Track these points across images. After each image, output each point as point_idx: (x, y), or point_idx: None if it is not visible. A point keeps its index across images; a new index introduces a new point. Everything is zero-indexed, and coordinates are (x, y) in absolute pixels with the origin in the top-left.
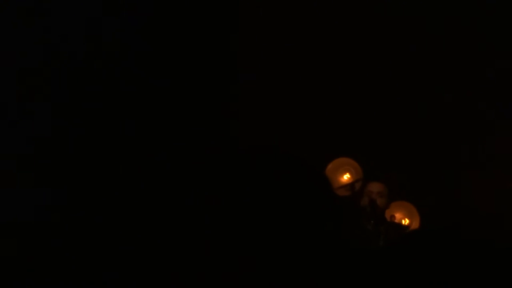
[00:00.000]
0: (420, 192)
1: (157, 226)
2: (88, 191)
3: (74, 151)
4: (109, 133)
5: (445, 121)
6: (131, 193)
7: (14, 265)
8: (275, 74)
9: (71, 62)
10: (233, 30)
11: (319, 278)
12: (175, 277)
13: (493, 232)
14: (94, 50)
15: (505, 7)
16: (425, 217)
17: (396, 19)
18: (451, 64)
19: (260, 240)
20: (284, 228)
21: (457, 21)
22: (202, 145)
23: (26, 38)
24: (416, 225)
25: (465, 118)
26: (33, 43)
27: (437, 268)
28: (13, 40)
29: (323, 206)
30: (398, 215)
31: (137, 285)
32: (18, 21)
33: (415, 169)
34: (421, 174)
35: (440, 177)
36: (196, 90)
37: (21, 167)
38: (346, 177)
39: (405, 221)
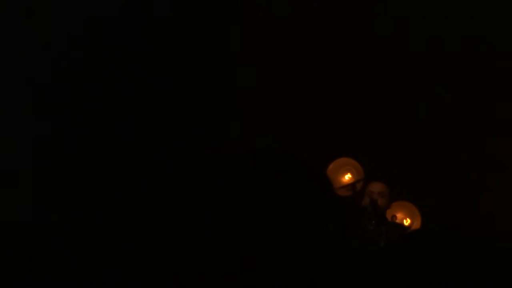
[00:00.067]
0: (421, 192)
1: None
2: (88, 191)
3: (74, 151)
4: (109, 133)
5: (445, 121)
6: (131, 193)
7: (14, 265)
8: (275, 74)
9: (71, 62)
10: (233, 30)
11: (320, 278)
12: (175, 277)
13: (493, 232)
14: (94, 50)
15: (505, 7)
16: (425, 217)
17: (396, 19)
18: (451, 64)
19: (260, 240)
20: (285, 228)
21: (457, 21)
22: (202, 145)
23: (26, 38)
24: (417, 225)
25: (465, 118)
26: (33, 43)
27: (438, 268)
28: (13, 40)
29: (324, 206)
30: (399, 215)
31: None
32: (18, 21)
33: (415, 169)
34: (422, 174)
35: (441, 177)
36: (196, 90)
37: (21, 167)
38: (347, 177)
39: (407, 221)
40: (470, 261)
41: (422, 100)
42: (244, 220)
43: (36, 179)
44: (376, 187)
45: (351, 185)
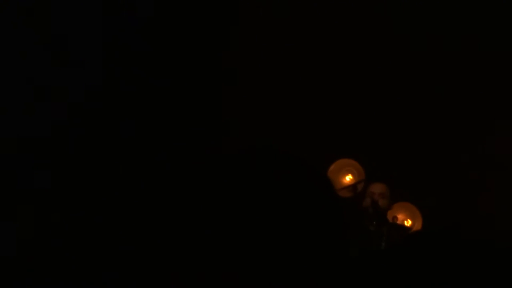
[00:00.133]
0: (421, 192)
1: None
2: (88, 191)
3: (74, 151)
4: (109, 133)
5: (445, 121)
6: (131, 193)
7: (14, 265)
8: (276, 74)
9: (71, 62)
10: (233, 30)
11: (321, 279)
12: (175, 277)
13: (493, 232)
14: (94, 50)
15: (505, 7)
16: (426, 217)
17: (396, 20)
18: (451, 64)
19: (261, 241)
20: (285, 229)
21: (457, 21)
22: (202, 145)
23: (26, 38)
24: (418, 226)
25: (465, 118)
26: (33, 43)
27: (438, 268)
28: (13, 40)
29: (325, 208)
30: (400, 216)
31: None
32: (18, 21)
33: (416, 170)
34: (422, 175)
35: (441, 177)
36: (196, 90)
37: (21, 167)
38: (348, 178)
39: (408, 222)
40: (470, 261)
41: (422, 100)
42: (245, 220)
43: (36, 179)
44: (377, 188)
45: (352, 186)
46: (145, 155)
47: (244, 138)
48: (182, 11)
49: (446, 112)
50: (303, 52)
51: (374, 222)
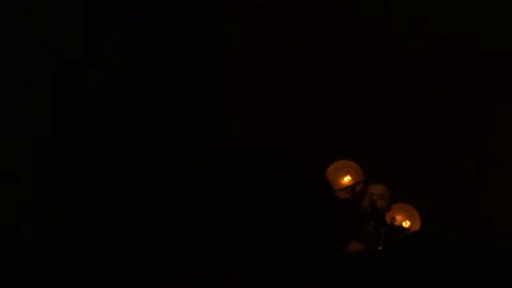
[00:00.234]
0: (421, 192)
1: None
2: (88, 191)
3: (74, 151)
4: (109, 133)
5: (445, 121)
6: (131, 193)
7: (14, 265)
8: (276, 74)
9: (71, 62)
10: (234, 30)
11: (320, 280)
12: (175, 277)
13: (493, 232)
14: (94, 50)
15: (505, 7)
16: (425, 218)
17: (395, 20)
18: (451, 65)
19: (260, 242)
20: (284, 230)
21: (457, 21)
22: (202, 145)
23: (26, 38)
24: (417, 227)
25: (465, 118)
26: (33, 43)
27: (438, 268)
28: (13, 40)
29: (324, 209)
30: (399, 217)
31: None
32: (18, 21)
33: (415, 170)
34: (422, 175)
35: (441, 177)
36: (196, 90)
37: (21, 167)
38: (346, 179)
39: (406, 223)
40: (470, 261)
41: (421, 100)
42: (244, 221)
43: (36, 179)
44: (376, 189)
45: (350, 187)
46: (145, 155)
47: (243, 138)
48: (182, 11)
49: (445, 112)
50: (303, 53)
51: (373, 223)
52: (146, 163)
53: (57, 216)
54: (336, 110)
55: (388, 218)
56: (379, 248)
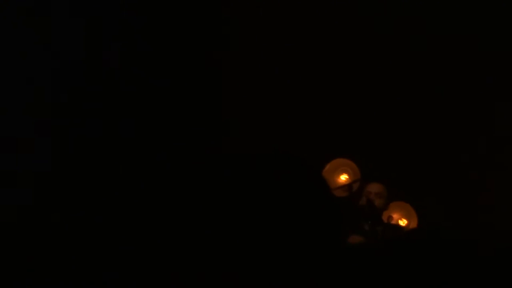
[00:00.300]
0: (420, 192)
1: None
2: (88, 191)
3: (74, 151)
4: (109, 133)
5: (444, 121)
6: (131, 193)
7: (14, 265)
8: (274, 74)
9: (71, 62)
10: (234, 30)
11: (317, 278)
12: (175, 277)
13: (493, 232)
14: (94, 50)
15: (505, 7)
16: (422, 216)
17: (394, 18)
18: (450, 64)
19: (258, 240)
20: (282, 228)
21: (457, 21)
22: (202, 145)
23: (26, 38)
24: (413, 225)
25: (465, 118)
26: (33, 43)
27: (437, 268)
28: (13, 40)
29: (321, 207)
30: (395, 216)
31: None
32: (18, 21)
33: (415, 170)
34: (421, 175)
35: (440, 177)
36: (196, 90)
37: (21, 167)
38: (343, 177)
39: (403, 222)
40: (470, 261)
41: (421, 100)
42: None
43: (36, 179)
44: (373, 188)
45: (347, 186)
46: (145, 155)
47: (243, 138)
48: (182, 10)
49: (445, 111)
50: (302, 52)
51: (370, 222)
52: (146, 163)
53: (57, 216)
54: (333, 109)
55: (385, 217)
56: (376, 246)
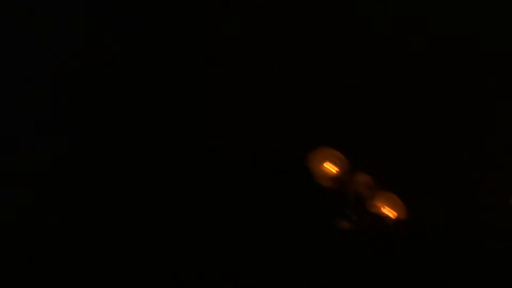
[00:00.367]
0: (407, 182)
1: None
2: (88, 191)
3: (74, 151)
4: (109, 133)
5: (444, 120)
6: (131, 193)
7: (14, 265)
8: (276, 75)
9: (71, 62)
10: (233, 30)
11: (307, 268)
12: (175, 277)
13: (493, 232)
14: (94, 50)
15: (505, 7)
16: (411, 208)
17: (393, 14)
18: (450, 63)
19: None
20: (270, 219)
21: (457, 20)
22: (202, 145)
23: (26, 38)
24: (401, 217)
25: (464, 117)
26: (33, 43)
27: (437, 268)
28: (13, 40)
29: (308, 197)
30: (383, 206)
31: (137, 285)
32: (18, 21)
33: (402, 160)
34: (409, 165)
35: (440, 177)
36: (196, 90)
37: (21, 167)
38: (331, 167)
39: (390, 212)
40: (470, 261)
41: (419, 98)
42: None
43: (36, 179)
44: (361, 178)
45: (335, 176)
46: (145, 155)
47: (243, 138)
48: (182, 11)
49: (443, 110)
50: (303, 52)
51: (356, 212)
52: (146, 163)
53: (57, 216)
54: (326, 100)
55: (372, 208)
56: (363, 237)
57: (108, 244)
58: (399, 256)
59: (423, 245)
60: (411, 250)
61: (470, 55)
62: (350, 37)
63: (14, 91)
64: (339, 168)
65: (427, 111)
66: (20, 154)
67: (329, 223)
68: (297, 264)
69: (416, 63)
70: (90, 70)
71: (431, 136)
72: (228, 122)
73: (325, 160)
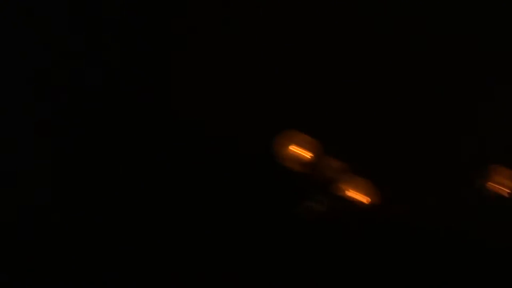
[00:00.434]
0: (420, 191)
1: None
2: (88, 191)
3: (74, 151)
4: (109, 133)
5: (412, 103)
6: (131, 193)
7: (14, 265)
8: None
9: (71, 62)
10: (233, 30)
11: (275, 253)
12: (175, 277)
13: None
14: (94, 49)
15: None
16: (382, 193)
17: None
18: (449, 61)
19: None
20: (239, 203)
21: (454, 19)
22: (202, 145)
23: (26, 38)
24: (371, 201)
25: (463, 117)
26: (33, 43)
27: (438, 267)
28: (13, 40)
29: (276, 181)
30: (353, 191)
31: (137, 285)
32: (18, 21)
33: (385, 154)
34: (391, 159)
35: (440, 176)
36: (196, 90)
37: (21, 166)
38: (300, 151)
39: (361, 198)
40: (470, 261)
41: (388, 79)
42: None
43: (36, 179)
44: (331, 163)
45: (304, 160)
46: (145, 155)
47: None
48: (182, 11)
49: (413, 94)
50: (303, 52)
51: (326, 197)
52: (146, 163)
53: (57, 216)
54: (302, 89)
55: (342, 192)
56: (334, 222)
57: (108, 244)
58: (369, 240)
59: (393, 230)
60: (381, 235)
61: (469, 54)
62: (316, 17)
63: (14, 91)
64: (309, 152)
65: (395, 94)
66: (20, 154)
67: (298, 207)
68: (265, 248)
69: (387, 47)
70: (90, 70)
71: (401, 120)
72: (201, 107)
73: (294, 144)
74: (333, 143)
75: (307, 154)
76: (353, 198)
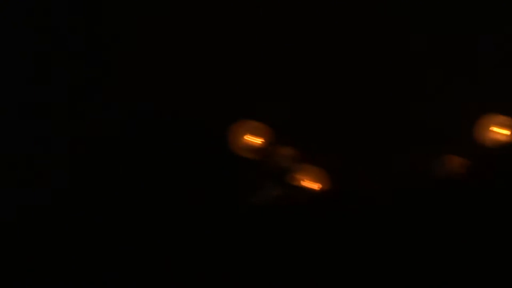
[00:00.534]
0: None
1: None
2: (88, 191)
3: (74, 152)
4: (109, 133)
5: (360, 93)
6: (131, 193)
7: (14, 265)
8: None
9: (71, 62)
10: (233, 30)
11: (227, 240)
12: (175, 277)
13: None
14: (94, 49)
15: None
16: (334, 180)
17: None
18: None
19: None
20: (190, 190)
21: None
22: (202, 145)
23: (26, 38)
24: (323, 188)
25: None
26: (33, 43)
27: (437, 267)
28: (13, 40)
29: (229, 168)
30: (305, 179)
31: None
32: (18, 21)
33: (336, 142)
34: (343, 147)
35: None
36: (196, 90)
37: (21, 167)
38: (253, 139)
39: (312, 185)
40: (469, 259)
41: (335, 72)
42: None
43: (36, 179)
44: (284, 151)
45: (257, 148)
46: (145, 155)
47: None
48: (181, 11)
49: (358, 83)
50: (303, 52)
51: (279, 184)
52: (146, 163)
53: (57, 216)
54: (256, 78)
55: (295, 179)
56: (286, 209)
57: (108, 244)
58: (321, 226)
59: (345, 216)
60: (333, 221)
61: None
62: (370, 50)
63: (14, 91)
64: (261, 140)
65: (344, 85)
66: (20, 155)
67: (250, 194)
68: (216, 236)
69: (325, 37)
70: (90, 70)
71: (351, 109)
72: (228, 122)
73: (247, 132)
74: (285, 132)
75: (260, 142)
76: (305, 185)
